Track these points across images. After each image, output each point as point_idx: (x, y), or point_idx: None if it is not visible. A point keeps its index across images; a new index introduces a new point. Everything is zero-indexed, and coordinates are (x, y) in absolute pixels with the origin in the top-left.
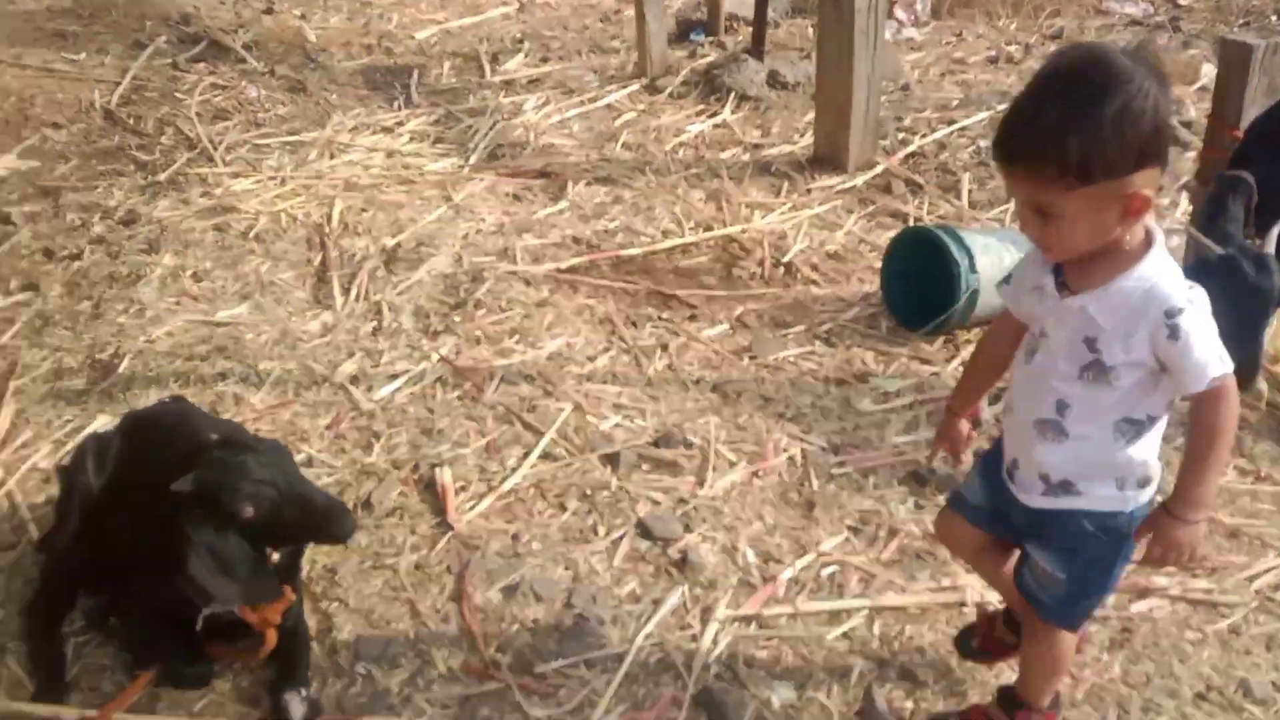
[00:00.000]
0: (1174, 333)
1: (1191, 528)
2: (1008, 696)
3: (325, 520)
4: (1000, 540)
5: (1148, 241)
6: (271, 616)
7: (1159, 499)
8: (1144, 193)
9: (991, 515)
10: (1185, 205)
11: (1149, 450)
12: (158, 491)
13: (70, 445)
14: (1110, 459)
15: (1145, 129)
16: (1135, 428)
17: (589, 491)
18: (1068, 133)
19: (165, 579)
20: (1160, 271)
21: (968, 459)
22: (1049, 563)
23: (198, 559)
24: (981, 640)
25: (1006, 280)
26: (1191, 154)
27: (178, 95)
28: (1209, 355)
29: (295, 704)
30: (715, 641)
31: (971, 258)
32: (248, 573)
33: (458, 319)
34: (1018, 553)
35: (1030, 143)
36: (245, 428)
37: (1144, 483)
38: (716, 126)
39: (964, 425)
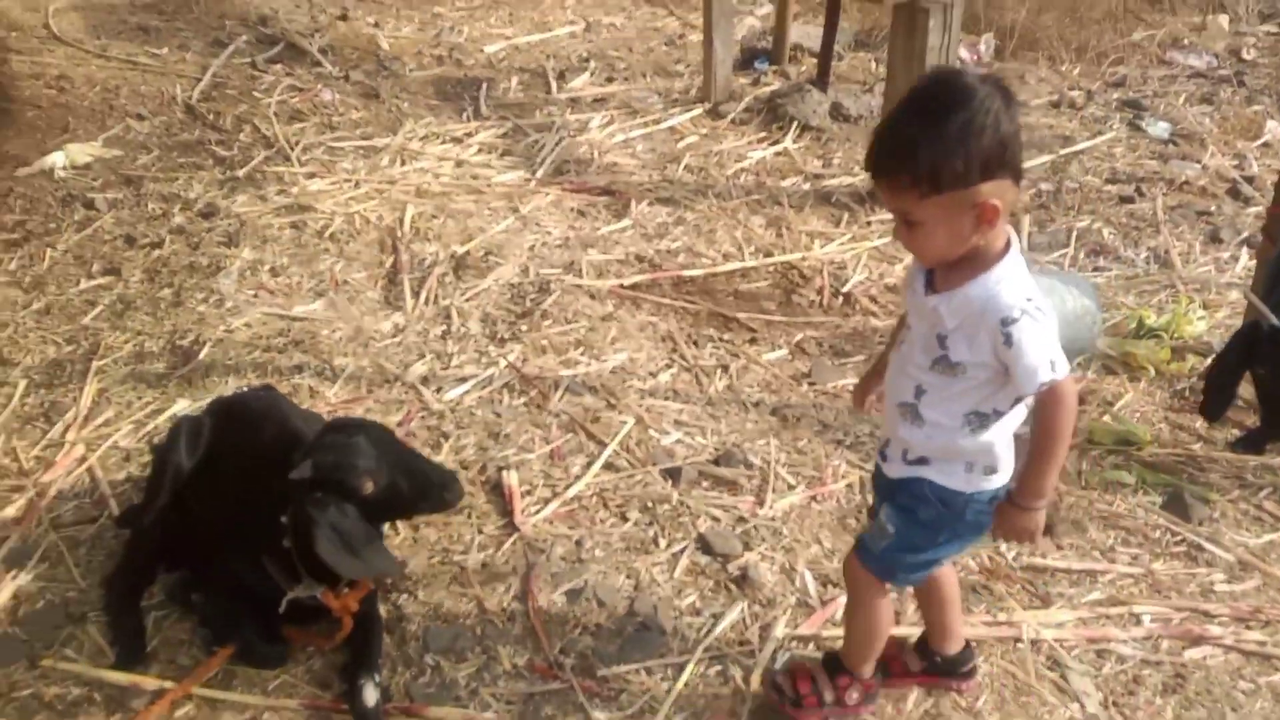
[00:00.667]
0: (1008, 340)
1: (1030, 514)
2: (831, 659)
3: (438, 488)
4: None
5: (1005, 250)
6: (350, 603)
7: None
8: (992, 202)
9: None
10: (1245, 260)
11: (997, 442)
12: (247, 474)
13: (151, 426)
14: (958, 445)
15: (987, 142)
16: (982, 420)
17: (650, 504)
18: (918, 145)
19: (250, 558)
20: (1005, 281)
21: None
22: (886, 517)
23: (325, 540)
24: (885, 664)
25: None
26: (1253, 210)
27: (255, 94)
28: (1039, 362)
29: (369, 689)
30: (774, 658)
31: None
32: (368, 548)
33: (524, 328)
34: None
35: (887, 157)
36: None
37: (989, 471)
38: (778, 154)
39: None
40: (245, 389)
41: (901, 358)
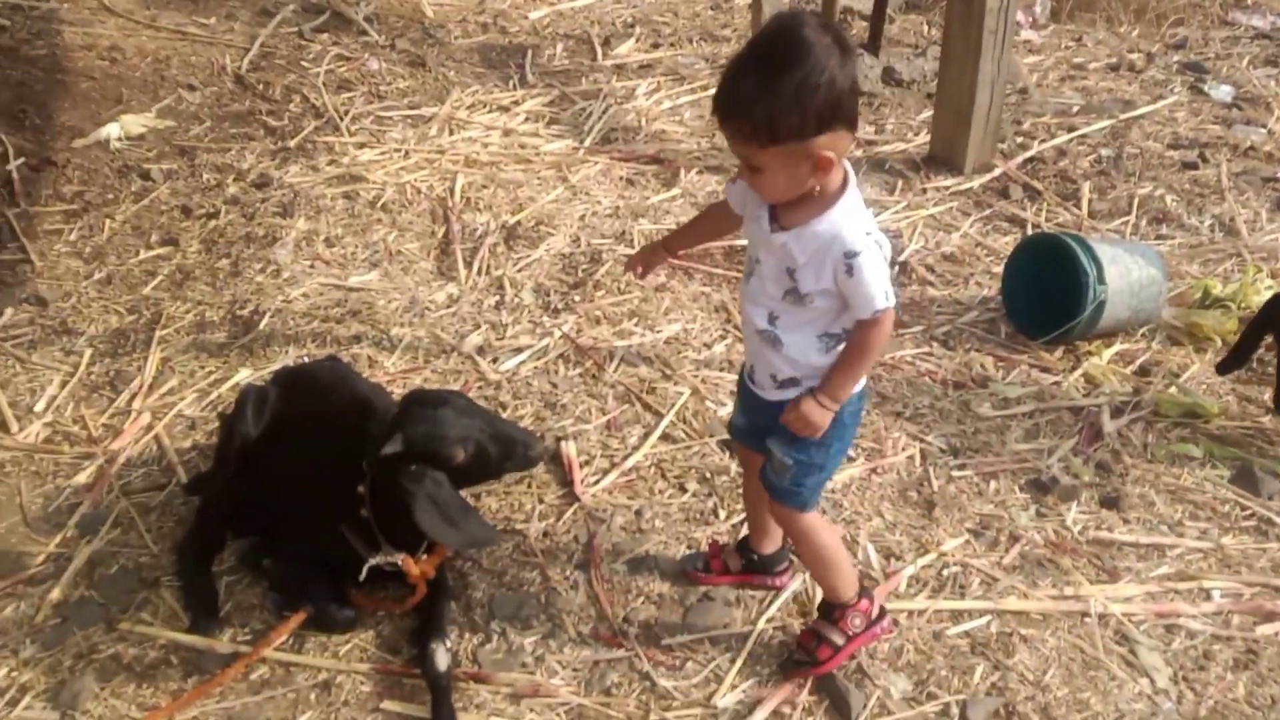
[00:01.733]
0: (850, 270)
1: (823, 411)
2: (824, 606)
3: (522, 446)
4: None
5: (842, 192)
6: (429, 570)
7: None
8: (827, 154)
9: (748, 433)
10: None
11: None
12: (318, 444)
13: (214, 395)
14: (819, 363)
15: (821, 99)
16: (835, 339)
17: (708, 475)
18: (756, 101)
19: (322, 526)
20: (847, 217)
21: (650, 281)
22: (781, 450)
23: (424, 512)
24: (708, 562)
25: (734, 181)
26: None
27: (304, 64)
28: (876, 291)
29: (441, 653)
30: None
31: (1100, 267)
32: (466, 518)
33: (577, 298)
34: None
35: (730, 107)
36: (387, 390)
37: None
38: None
39: (663, 259)
40: (309, 359)
41: (753, 290)
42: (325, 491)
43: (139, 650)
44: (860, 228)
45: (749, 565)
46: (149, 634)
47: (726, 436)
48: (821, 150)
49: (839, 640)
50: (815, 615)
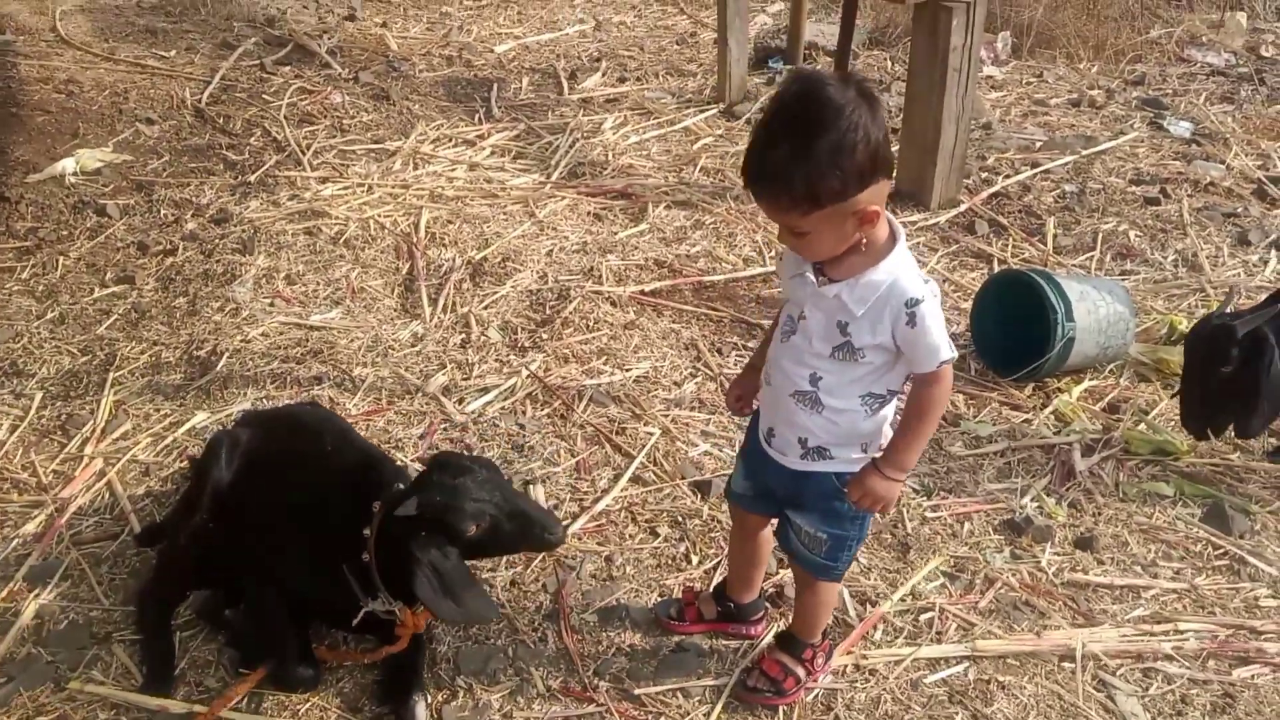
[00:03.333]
0: (913, 320)
1: (892, 483)
2: (787, 639)
3: (539, 529)
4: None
5: (893, 238)
6: (420, 623)
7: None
8: (872, 208)
9: (754, 498)
10: (1276, 263)
11: (887, 419)
12: (313, 486)
13: (170, 439)
14: (859, 428)
15: (860, 158)
16: (879, 400)
17: (680, 518)
18: (793, 169)
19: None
20: (902, 266)
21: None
22: (811, 525)
23: (424, 582)
24: (682, 609)
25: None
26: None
27: (265, 97)
28: (940, 341)
29: (420, 709)
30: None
31: (1068, 304)
32: (467, 593)
33: (545, 336)
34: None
35: (764, 177)
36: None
37: (880, 449)
38: None
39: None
40: (283, 403)
41: (794, 348)
42: (322, 535)
43: (88, 711)
44: (917, 275)
45: (725, 614)
46: (99, 694)
47: (698, 478)
48: (866, 205)
49: (801, 674)
50: (775, 645)
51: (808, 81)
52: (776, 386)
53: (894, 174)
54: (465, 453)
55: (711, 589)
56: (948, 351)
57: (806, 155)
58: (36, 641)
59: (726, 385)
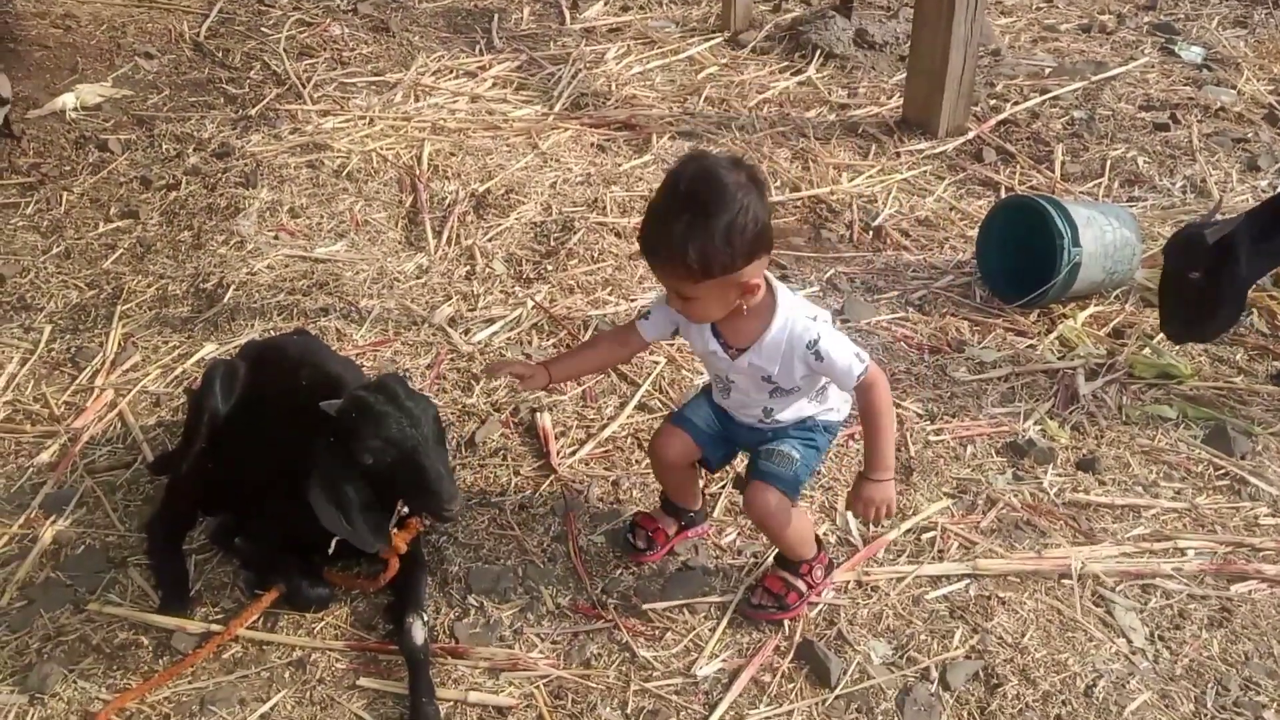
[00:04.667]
0: (819, 355)
1: (883, 485)
2: (781, 559)
3: (437, 497)
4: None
5: (772, 294)
6: (400, 544)
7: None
8: (754, 281)
9: (714, 438)
10: None
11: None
12: (286, 418)
13: (179, 371)
14: (810, 412)
15: (749, 236)
16: (822, 392)
17: None
18: (689, 243)
19: (292, 503)
20: (791, 317)
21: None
22: (789, 446)
23: (317, 486)
24: (649, 537)
25: (646, 316)
26: None
27: (264, 30)
28: (849, 361)
29: (417, 627)
30: (817, 598)
31: (1075, 230)
32: (359, 513)
33: (550, 267)
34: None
35: (661, 247)
36: (357, 365)
37: (840, 408)
38: (801, 84)
39: (543, 383)
40: (275, 332)
41: (737, 401)
42: (295, 467)
43: (108, 632)
44: (803, 315)
45: (687, 522)
46: (117, 615)
47: None
48: (749, 279)
49: (803, 588)
50: (774, 566)
51: (704, 163)
52: (737, 419)
53: (772, 249)
54: (407, 388)
55: (659, 508)
56: (859, 365)
57: (702, 231)
58: (55, 566)
59: None
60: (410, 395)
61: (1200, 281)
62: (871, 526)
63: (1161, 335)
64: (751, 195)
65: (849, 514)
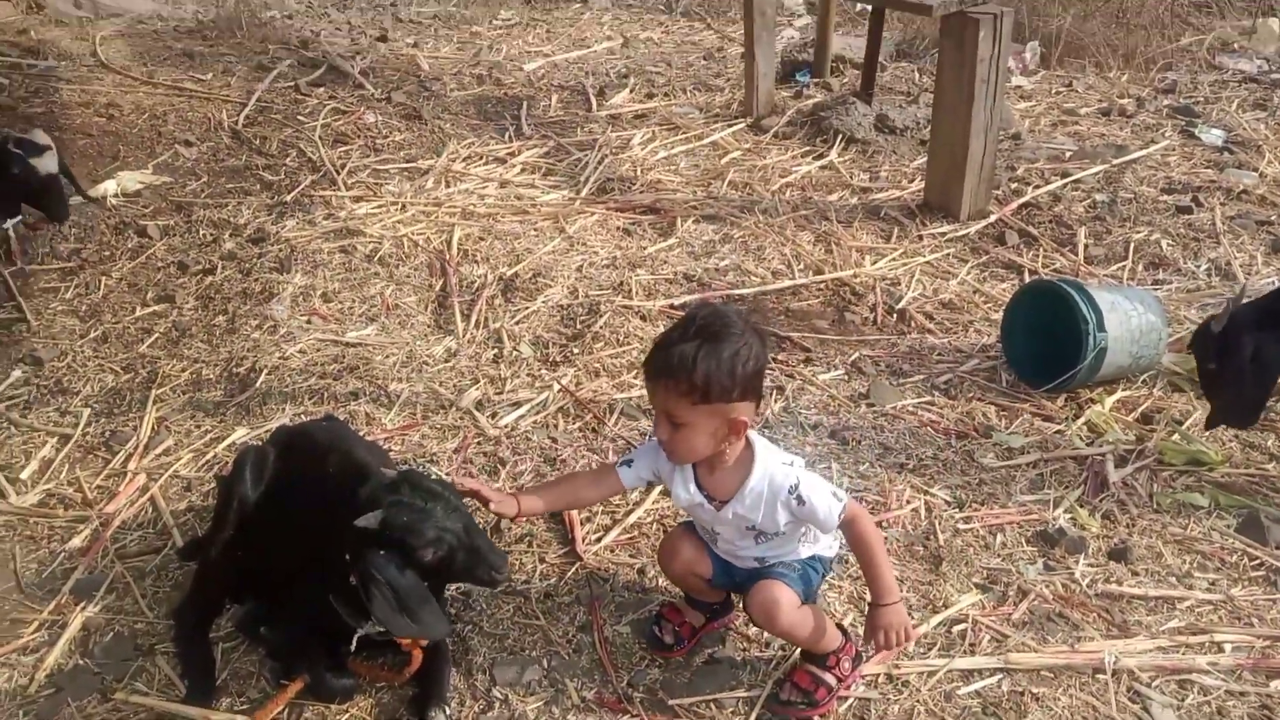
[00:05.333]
0: (801, 500)
1: (894, 609)
2: (807, 655)
3: (488, 568)
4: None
5: (749, 445)
6: (420, 640)
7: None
8: (743, 418)
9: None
10: None
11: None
12: (316, 507)
13: (210, 455)
14: (802, 552)
15: (749, 370)
16: (806, 535)
17: None
18: (698, 361)
19: (317, 592)
20: (769, 465)
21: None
22: (787, 568)
23: (380, 596)
24: (676, 631)
25: (628, 464)
26: None
27: (300, 118)
28: (827, 504)
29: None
30: (847, 691)
31: (1099, 315)
32: (423, 608)
33: (576, 350)
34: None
35: (671, 365)
36: (385, 448)
37: (830, 545)
38: (823, 168)
39: (511, 508)
40: (306, 417)
41: (727, 550)
42: (319, 558)
43: None
44: (779, 463)
45: (712, 615)
46: (144, 704)
47: None
48: (739, 415)
49: (832, 682)
50: (801, 659)
51: (717, 307)
52: (735, 566)
53: (762, 400)
54: (431, 474)
55: (684, 600)
56: (838, 504)
57: (711, 355)
58: (83, 653)
59: None
60: (437, 483)
61: (1216, 371)
62: (893, 652)
63: (1191, 421)
64: (755, 341)
65: (868, 649)
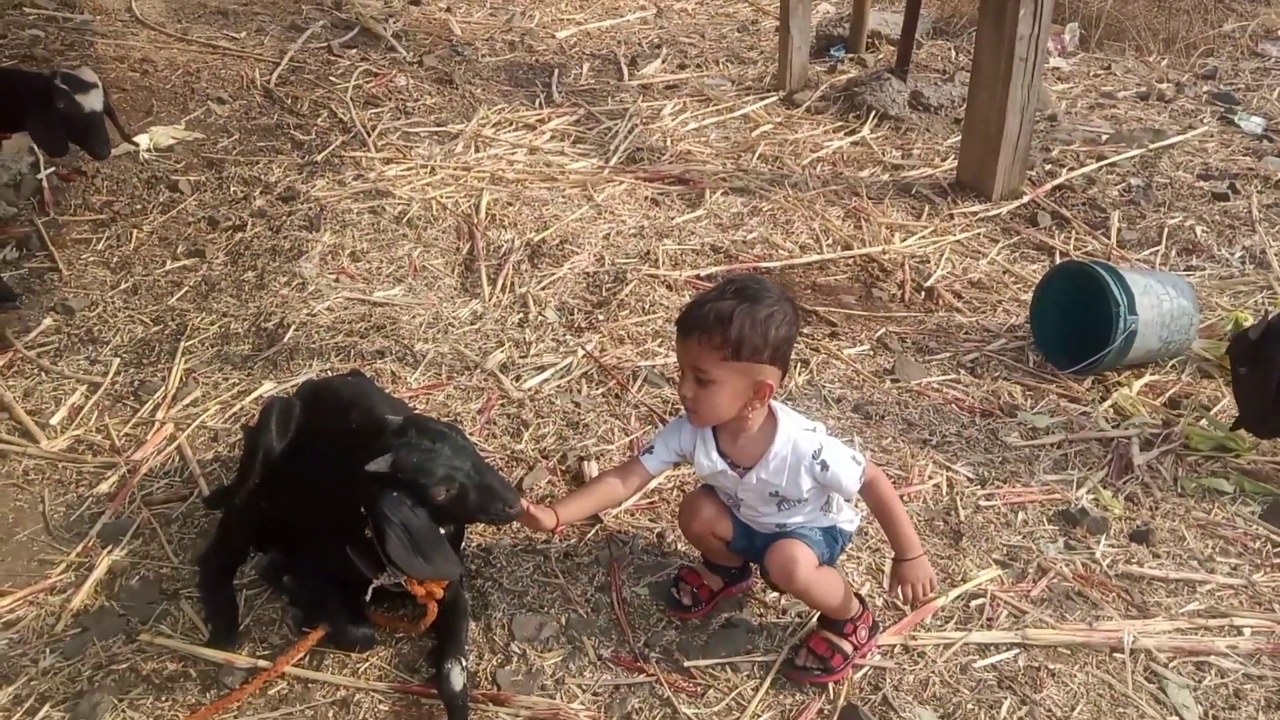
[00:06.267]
0: (825, 466)
1: (918, 562)
2: (824, 620)
3: (500, 503)
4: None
5: (773, 415)
6: (435, 589)
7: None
8: (769, 382)
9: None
10: None
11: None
12: (336, 460)
13: (237, 407)
14: (823, 522)
15: (780, 334)
16: (828, 505)
17: None
18: (734, 317)
19: (337, 544)
20: (792, 431)
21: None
22: (808, 530)
23: (395, 537)
24: (694, 594)
25: (649, 451)
26: None
27: (332, 79)
28: (849, 465)
29: (456, 673)
30: (863, 660)
31: (1131, 298)
32: (436, 550)
33: (601, 317)
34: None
35: (707, 320)
36: (410, 405)
37: (852, 519)
38: (855, 144)
39: (550, 521)
40: (332, 373)
41: (749, 515)
42: (338, 510)
43: (158, 663)
44: (801, 428)
45: (730, 579)
46: (168, 646)
47: None
48: (766, 378)
49: (849, 649)
50: (818, 626)
51: (754, 274)
52: (755, 530)
53: (789, 370)
54: (431, 420)
55: (702, 563)
56: (857, 467)
57: (747, 312)
58: (109, 595)
59: None
60: (443, 424)
61: (1247, 377)
62: (916, 605)
63: (1219, 408)
64: (789, 308)
65: (895, 599)
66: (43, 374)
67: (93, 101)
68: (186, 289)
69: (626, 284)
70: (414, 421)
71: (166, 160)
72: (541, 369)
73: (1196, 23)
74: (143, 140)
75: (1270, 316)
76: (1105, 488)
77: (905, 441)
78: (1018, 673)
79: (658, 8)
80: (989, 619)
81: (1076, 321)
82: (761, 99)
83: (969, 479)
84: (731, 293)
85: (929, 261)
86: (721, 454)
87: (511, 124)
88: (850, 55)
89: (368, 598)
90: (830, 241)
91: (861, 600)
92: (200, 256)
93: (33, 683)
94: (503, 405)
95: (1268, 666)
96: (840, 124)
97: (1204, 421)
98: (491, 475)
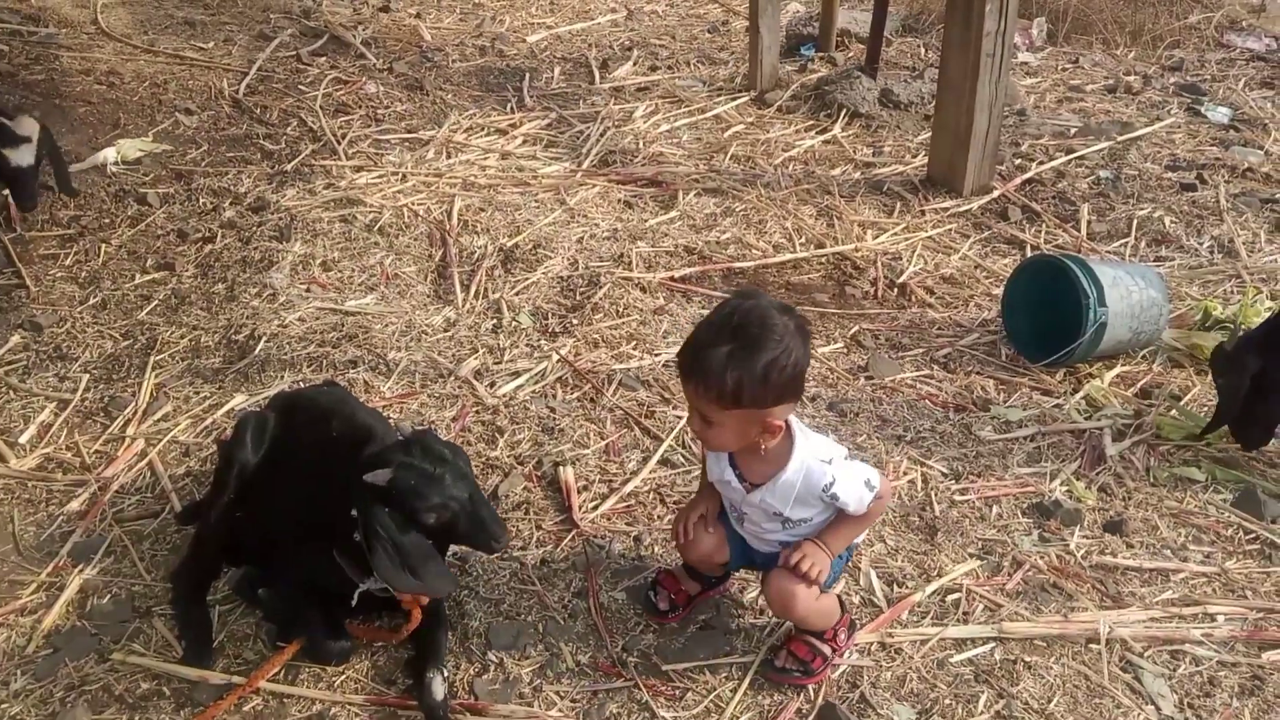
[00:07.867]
0: (833, 496)
1: (824, 553)
2: (806, 633)
3: (488, 536)
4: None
5: (789, 436)
6: (421, 598)
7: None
8: (778, 422)
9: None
10: None
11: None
12: (316, 469)
13: (209, 421)
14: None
15: (785, 378)
16: (838, 511)
17: None
18: (728, 370)
19: (315, 556)
20: (807, 459)
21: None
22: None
23: (384, 555)
24: (671, 599)
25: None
26: None
27: (301, 87)
28: (860, 493)
29: (438, 683)
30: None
31: (1100, 290)
32: (425, 565)
33: (575, 321)
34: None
35: (702, 368)
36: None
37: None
38: (826, 143)
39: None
40: (306, 385)
41: (752, 531)
42: (323, 517)
43: (131, 682)
44: (817, 457)
45: (707, 584)
46: (141, 665)
47: None
48: (774, 419)
49: (828, 652)
50: (796, 630)
51: (758, 301)
52: (758, 549)
53: (801, 395)
54: (442, 438)
55: (681, 568)
56: (869, 494)
57: (744, 364)
58: (81, 615)
59: None
60: (448, 447)
61: (1222, 389)
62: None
63: (1190, 397)
64: (796, 341)
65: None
66: (11, 392)
67: (21, 157)
68: (156, 303)
69: (600, 287)
70: (421, 440)
71: (134, 173)
72: (516, 375)
73: (1163, 15)
74: (109, 154)
75: (1244, 328)
76: (1078, 479)
77: (880, 438)
78: (994, 666)
79: (628, 10)
80: (965, 613)
81: (1048, 315)
82: (733, 99)
83: (943, 474)
84: (730, 334)
85: (901, 258)
86: (733, 466)
87: (483, 129)
88: (820, 54)
89: (354, 603)
90: (803, 240)
91: (842, 604)
92: (170, 270)
93: (4, 705)
94: (477, 412)
95: (1241, 653)
96: (811, 123)
97: (1175, 411)
98: (485, 508)
